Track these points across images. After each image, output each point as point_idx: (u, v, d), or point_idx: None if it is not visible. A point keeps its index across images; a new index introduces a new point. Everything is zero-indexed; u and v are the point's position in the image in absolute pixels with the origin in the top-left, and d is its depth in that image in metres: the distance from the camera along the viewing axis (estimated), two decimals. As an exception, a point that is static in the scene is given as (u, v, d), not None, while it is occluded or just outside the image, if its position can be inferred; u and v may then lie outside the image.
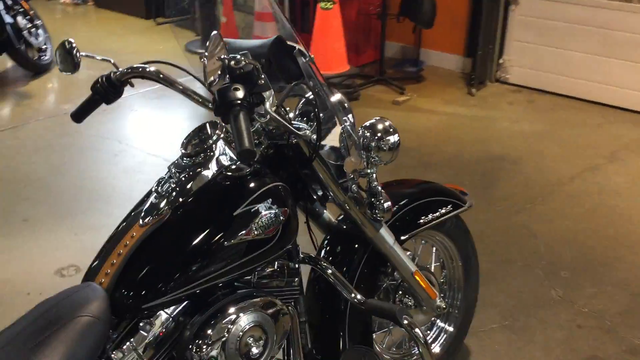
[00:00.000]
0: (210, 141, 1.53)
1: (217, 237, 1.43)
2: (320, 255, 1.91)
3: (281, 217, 1.51)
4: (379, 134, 1.68)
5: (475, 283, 2.34)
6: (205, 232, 1.44)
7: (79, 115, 1.76)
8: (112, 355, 1.35)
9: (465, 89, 5.29)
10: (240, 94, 1.32)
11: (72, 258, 3.02)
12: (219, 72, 1.32)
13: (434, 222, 2.03)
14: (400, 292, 2.03)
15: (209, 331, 1.42)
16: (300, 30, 5.42)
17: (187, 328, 1.44)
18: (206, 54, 1.28)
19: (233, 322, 1.44)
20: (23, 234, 3.30)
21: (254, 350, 1.47)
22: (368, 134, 1.68)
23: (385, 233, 1.84)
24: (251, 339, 1.47)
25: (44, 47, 5.66)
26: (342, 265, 1.89)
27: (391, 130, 1.69)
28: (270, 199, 1.50)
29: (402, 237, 1.96)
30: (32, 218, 3.43)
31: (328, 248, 1.93)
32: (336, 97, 1.76)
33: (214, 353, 1.42)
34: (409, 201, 2.01)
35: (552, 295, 2.81)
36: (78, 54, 1.66)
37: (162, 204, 1.46)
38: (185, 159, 1.54)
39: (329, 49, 4.94)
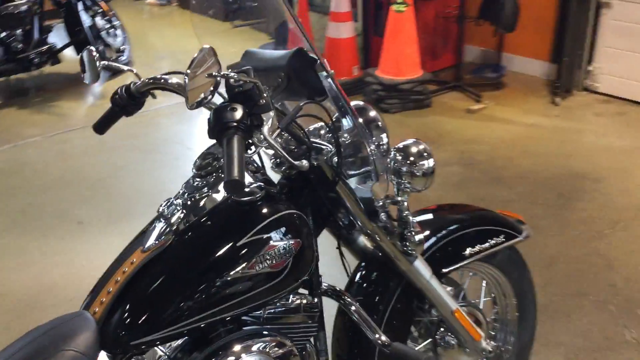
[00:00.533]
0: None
1: (217, 270, 1.29)
2: (353, 283, 1.74)
3: (292, 249, 1.34)
4: (412, 158, 1.48)
5: (531, 323, 2.08)
6: (205, 264, 1.30)
7: (100, 127, 1.67)
8: None
9: (549, 97, 4.92)
10: (237, 114, 1.17)
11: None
12: (211, 89, 1.17)
13: (481, 254, 1.80)
14: (442, 329, 1.82)
15: None
16: (373, 33, 5.23)
17: None
18: (188, 70, 1.13)
19: None
20: (75, 236, 3.30)
21: None
22: (400, 157, 1.49)
23: (421, 266, 1.64)
24: None
25: (122, 47, 5.75)
26: (373, 297, 1.71)
27: (426, 154, 1.49)
28: (283, 229, 1.35)
29: (444, 270, 1.76)
30: (87, 221, 3.44)
31: (360, 277, 1.75)
32: (371, 113, 1.58)
33: None
34: (454, 230, 1.79)
35: (625, 337, 2.49)
36: (99, 63, 1.56)
37: (166, 229, 1.34)
38: (197, 179, 1.41)
39: (400, 53, 4.72)
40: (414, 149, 1.49)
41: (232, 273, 1.28)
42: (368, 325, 1.55)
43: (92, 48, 1.58)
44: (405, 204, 1.52)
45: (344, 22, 5.05)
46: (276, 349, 1.37)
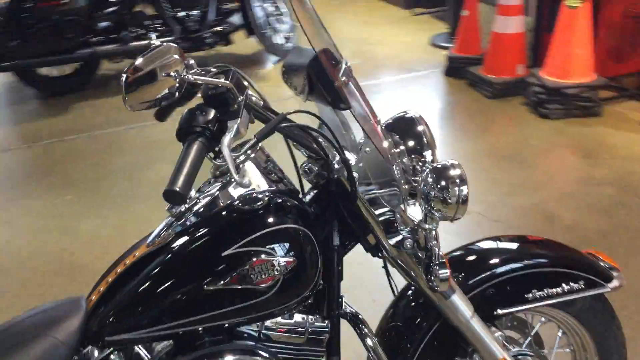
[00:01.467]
0: (238, 160, 1.32)
1: (198, 278, 1.22)
2: (397, 305, 1.59)
3: (284, 267, 1.23)
4: (444, 182, 1.28)
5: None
6: (189, 270, 1.24)
7: (160, 114, 1.68)
8: None
9: None
10: (203, 119, 1.09)
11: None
12: (167, 91, 1.09)
13: (549, 300, 1.54)
14: None
15: None
16: (546, 29, 4.76)
17: None
18: (137, 62, 1.06)
19: None
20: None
21: None
22: (431, 180, 1.29)
23: (459, 302, 1.44)
24: None
25: (290, 34, 5.89)
26: (410, 326, 1.54)
27: (459, 180, 1.28)
28: (278, 244, 1.24)
29: (498, 312, 1.52)
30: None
31: (404, 301, 1.59)
32: (418, 127, 1.41)
33: None
34: (519, 267, 1.55)
35: None
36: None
37: (169, 227, 1.30)
38: (212, 179, 1.36)
39: (570, 53, 4.24)
40: (449, 172, 1.29)
41: (211, 284, 1.21)
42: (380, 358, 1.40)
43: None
44: (433, 233, 1.32)
45: (512, 16, 4.67)
46: None
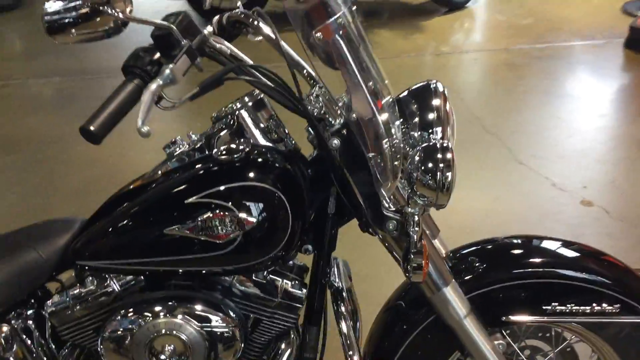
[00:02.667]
0: (235, 107, 1.29)
1: (161, 222, 1.23)
2: (404, 287, 1.50)
3: (243, 226, 1.20)
4: (430, 165, 1.14)
5: None
6: (155, 212, 1.26)
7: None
8: (48, 302, 1.34)
9: None
10: (146, 60, 1.07)
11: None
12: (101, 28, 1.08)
13: (573, 317, 1.35)
14: None
15: (130, 314, 1.28)
16: None
17: (122, 304, 1.32)
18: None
19: (153, 317, 1.26)
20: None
21: None
22: (417, 159, 1.16)
23: (453, 298, 1.31)
24: (168, 348, 1.27)
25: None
26: (407, 313, 1.45)
27: (444, 164, 1.13)
28: (243, 201, 1.20)
29: (510, 318, 1.37)
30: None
31: (408, 286, 1.49)
32: (434, 101, 1.28)
33: (121, 340, 1.28)
34: (541, 273, 1.36)
35: None
36: None
37: (161, 166, 1.33)
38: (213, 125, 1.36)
39: None
40: (436, 154, 1.14)
41: (172, 229, 1.21)
42: (350, 346, 1.33)
43: None
44: (416, 218, 1.19)
45: None
46: (209, 323, 1.28)
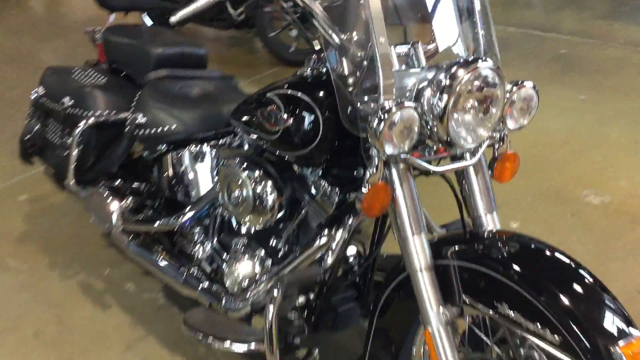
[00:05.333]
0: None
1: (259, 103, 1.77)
2: None
3: (283, 121, 1.63)
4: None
5: None
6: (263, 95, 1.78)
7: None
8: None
9: None
10: None
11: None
12: None
13: (512, 325, 1.38)
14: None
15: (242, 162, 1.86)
16: None
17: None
18: None
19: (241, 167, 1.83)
20: None
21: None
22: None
23: (414, 249, 1.44)
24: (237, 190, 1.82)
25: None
26: (392, 272, 1.63)
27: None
28: (290, 104, 1.63)
29: (464, 298, 1.44)
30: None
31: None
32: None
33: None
34: (510, 274, 1.37)
35: None
36: None
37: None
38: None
39: None
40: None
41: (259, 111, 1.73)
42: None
43: None
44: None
45: None
46: (266, 187, 1.77)
